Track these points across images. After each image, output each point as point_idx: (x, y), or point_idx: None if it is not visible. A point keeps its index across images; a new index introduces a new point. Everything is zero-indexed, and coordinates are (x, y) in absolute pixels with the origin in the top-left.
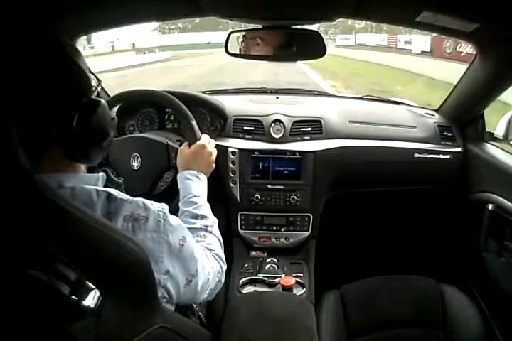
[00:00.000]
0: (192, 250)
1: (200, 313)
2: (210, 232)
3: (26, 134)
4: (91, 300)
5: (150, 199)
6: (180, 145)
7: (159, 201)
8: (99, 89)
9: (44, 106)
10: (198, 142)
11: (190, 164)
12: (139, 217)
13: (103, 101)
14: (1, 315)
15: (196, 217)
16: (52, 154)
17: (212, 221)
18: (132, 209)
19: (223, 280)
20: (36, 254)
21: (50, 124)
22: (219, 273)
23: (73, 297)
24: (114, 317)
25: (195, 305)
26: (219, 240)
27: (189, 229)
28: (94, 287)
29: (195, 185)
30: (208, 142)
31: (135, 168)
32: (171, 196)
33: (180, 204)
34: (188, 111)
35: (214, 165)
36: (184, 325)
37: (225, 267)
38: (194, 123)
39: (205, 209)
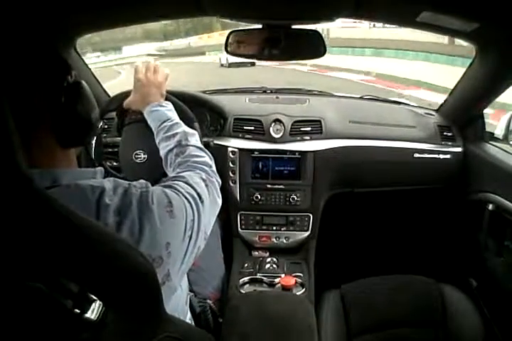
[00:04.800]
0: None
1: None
2: (186, 145)
3: (16, 122)
4: (94, 312)
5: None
6: None
7: None
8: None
9: (32, 89)
10: (135, 77)
11: (145, 100)
12: (122, 206)
13: (83, 80)
14: (4, 328)
15: (169, 138)
16: (44, 142)
17: (184, 134)
18: (117, 201)
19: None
20: (38, 266)
21: (39, 108)
22: (207, 173)
23: (76, 310)
24: (118, 328)
25: (210, 302)
26: (195, 147)
27: (168, 151)
28: (96, 298)
29: (162, 113)
30: (142, 70)
31: (139, 161)
32: None
33: (155, 136)
34: (191, 112)
35: (163, 82)
36: (191, 333)
37: (209, 160)
38: (196, 124)
39: (176, 126)
